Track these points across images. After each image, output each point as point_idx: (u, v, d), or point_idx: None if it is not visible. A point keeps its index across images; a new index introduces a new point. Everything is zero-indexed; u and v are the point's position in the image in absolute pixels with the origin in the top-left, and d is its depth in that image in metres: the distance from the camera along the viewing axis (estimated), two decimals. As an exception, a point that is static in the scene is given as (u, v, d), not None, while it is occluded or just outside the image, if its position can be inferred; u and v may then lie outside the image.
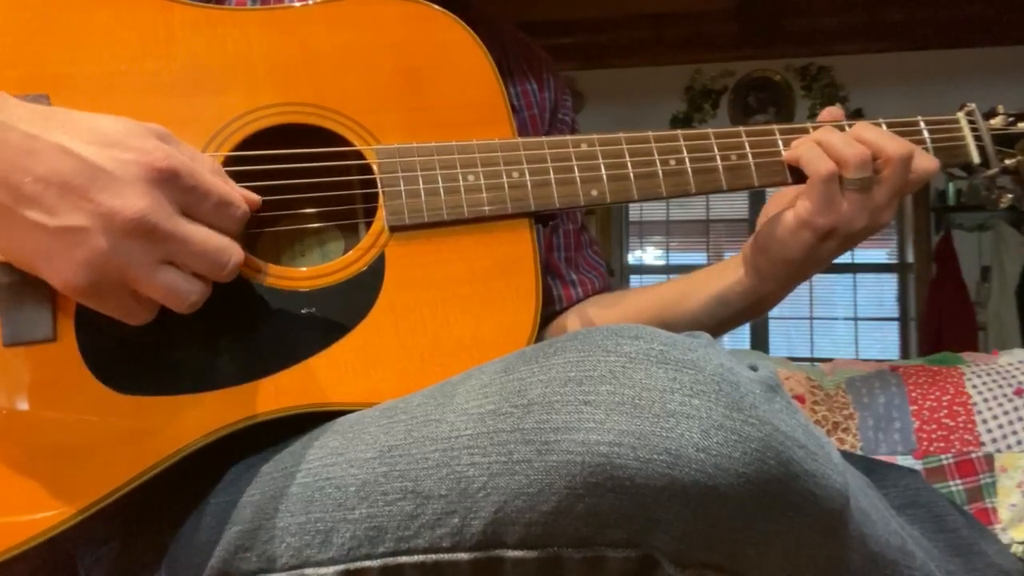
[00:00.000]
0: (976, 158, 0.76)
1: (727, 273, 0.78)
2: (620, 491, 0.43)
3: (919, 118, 0.75)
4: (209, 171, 0.52)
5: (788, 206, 0.71)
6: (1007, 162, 0.76)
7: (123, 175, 0.47)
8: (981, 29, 4.29)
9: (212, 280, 0.52)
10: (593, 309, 0.90)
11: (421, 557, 0.48)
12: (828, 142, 0.68)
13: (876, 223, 0.69)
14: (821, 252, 0.70)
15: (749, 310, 0.79)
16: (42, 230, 0.46)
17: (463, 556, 0.47)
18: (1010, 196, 0.78)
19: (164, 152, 0.48)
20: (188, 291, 0.50)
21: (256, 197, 0.56)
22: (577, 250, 0.95)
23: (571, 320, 0.89)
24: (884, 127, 0.73)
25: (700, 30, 4.57)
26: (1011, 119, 0.77)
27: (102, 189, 0.46)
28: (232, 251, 0.51)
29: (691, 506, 0.42)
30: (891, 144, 0.67)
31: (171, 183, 0.48)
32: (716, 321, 0.79)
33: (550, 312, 0.91)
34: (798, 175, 0.69)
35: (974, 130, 0.76)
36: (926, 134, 0.75)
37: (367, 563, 0.49)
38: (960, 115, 0.77)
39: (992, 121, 0.78)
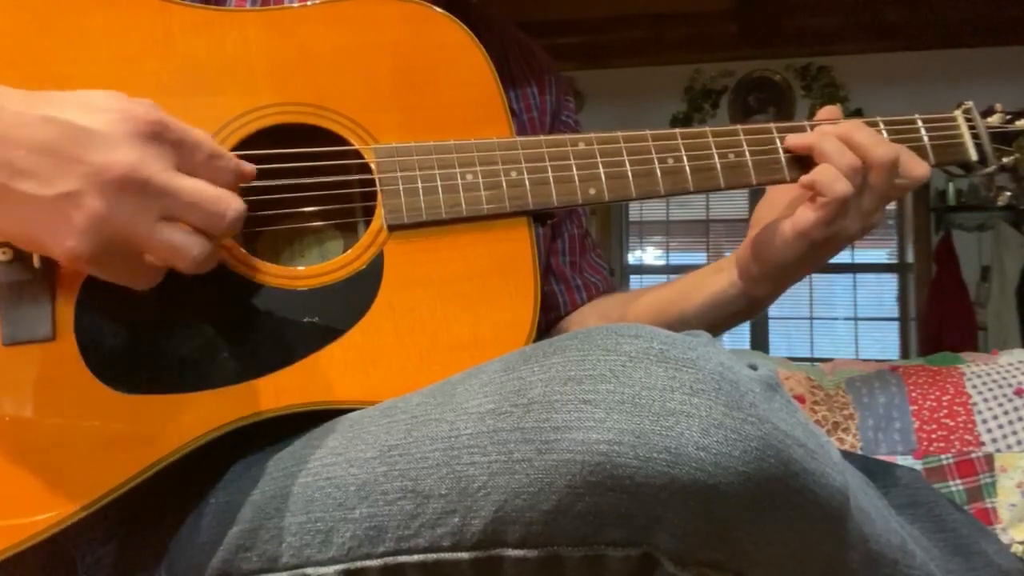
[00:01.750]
0: (974, 156, 0.76)
1: (721, 276, 0.78)
2: (620, 490, 0.43)
3: (916, 116, 0.75)
4: (200, 135, 0.51)
5: (784, 214, 0.70)
6: (1005, 160, 0.77)
7: (111, 132, 0.46)
8: (981, 29, 4.29)
9: (214, 233, 0.50)
10: (593, 313, 0.91)
11: (421, 556, 0.48)
12: (821, 152, 0.67)
13: (868, 226, 0.69)
14: (815, 258, 0.70)
15: (743, 312, 0.79)
16: (39, 201, 0.46)
17: (463, 555, 0.47)
18: (1008, 194, 0.78)
19: (149, 107, 0.48)
20: (190, 245, 0.49)
21: (250, 166, 0.54)
22: (582, 255, 0.95)
23: (573, 324, 0.90)
24: (882, 126, 0.73)
25: (700, 30, 4.57)
26: (1008, 117, 0.77)
27: (91, 149, 0.46)
28: (230, 200, 0.50)
29: (691, 505, 0.42)
30: (878, 150, 0.67)
31: (159, 137, 0.48)
32: (710, 323, 0.79)
33: (555, 317, 0.92)
34: (796, 174, 0.69)
35: (971, 128, 0.76)
36: (923, 132, 0.75)
37: (367, 562, 0.50)
38: (958, 113, 0.77)
39: (990, 119, 0.78)
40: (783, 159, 0.71)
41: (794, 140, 0.70)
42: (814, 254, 0.70)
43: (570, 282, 0.92)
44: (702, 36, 4.60)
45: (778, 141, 0.71)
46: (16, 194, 0.46)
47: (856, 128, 0.68)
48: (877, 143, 0.67)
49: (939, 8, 4.24)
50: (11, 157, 0.45)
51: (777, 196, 0.75)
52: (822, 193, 0.66)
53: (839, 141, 0.67)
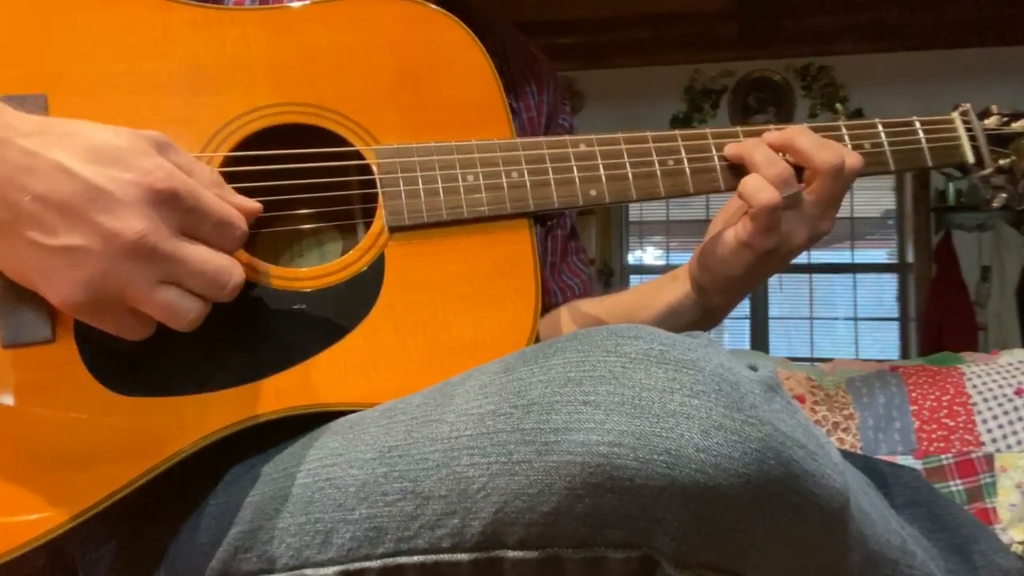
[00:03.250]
0: (971, 158, 0.76)
1: (676, 286, 0.79)
2: (620, 491, 0.43)
3: (914, 118, 0.75)
4: (208, 184, 0.52)
5: (731, 223, 0.70)
6: (1001, 162, 0.77)
7: (123, 196, 0.46)
8: (981, 29, 4.29)
9: (212, 300, 0.51)
10: (567, 317, 0.91)
11: (421, 558, 0.48)
12: (751, 161, 0.67)
13: (817, 233, 0.69)
14: (764, 268, 0.70)
15: (702, 320, 0.78)
16: (41, 248, 0.46)
17: (463, 557, 0.47)
18: (1004, 196, 0.78)
19: (165, 171, 0.48)
20: (187, 309, 0.50)
21: (255, 205, 0.55)
22: (563, 257, 0.95)
23: (545, 327, 0.89)
24: (880, 128, 0.74)
25: (700, 30, 4.56)
26: (1005, 119, 0.78)
27: (102, 210, 0.46)
28: (232, 271, 0.51)
29: (691, 506, 0.42)
30: (820, 155, 0.66)
31: (170, 203, 0.48)
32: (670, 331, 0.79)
33: None
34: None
35: (968, 130, 0.77)
36: (921, 134, 0.75)
37: (367, 564, 0.49)
38: (955, 115, 0.77)
39: (986, 121, 0.78)
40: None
41: (730, 149, 0.70)
42: (763, 264, 0.69)
43: (546, 284, 0.92)
44: (702, 36, 4.59)
45: None
46: (19, 236, 0.46)
47: (798, 133, 0.68)
48: (820, 148, 0.67)
49: (939, 8, 4.24)
50: (17, 200, 0.45)
51: (732, 204, 0.75)
52: (748, 203, 0.66)
53: (769, 150, 0.67)
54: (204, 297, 0.51)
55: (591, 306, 0.90)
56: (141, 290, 0.48)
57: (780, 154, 0.68)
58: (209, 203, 0.50)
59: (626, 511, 0.43)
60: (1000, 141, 0.77)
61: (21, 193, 0.45)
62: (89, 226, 0.46)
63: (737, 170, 0.70)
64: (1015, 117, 0.77)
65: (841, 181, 0.67)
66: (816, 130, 0.71)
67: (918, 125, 0.75)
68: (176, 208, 0.49)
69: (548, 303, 0.91)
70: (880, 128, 0.74)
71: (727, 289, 0.74)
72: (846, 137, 0.73)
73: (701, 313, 0.77)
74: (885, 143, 0.74)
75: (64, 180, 0.46)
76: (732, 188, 0.70)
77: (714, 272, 0.72)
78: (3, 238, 0.46)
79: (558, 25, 4.49)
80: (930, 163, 0.75)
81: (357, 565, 0.50)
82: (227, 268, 0.51)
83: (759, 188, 0.65)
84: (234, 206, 0.53)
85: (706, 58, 4.72)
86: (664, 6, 4.39)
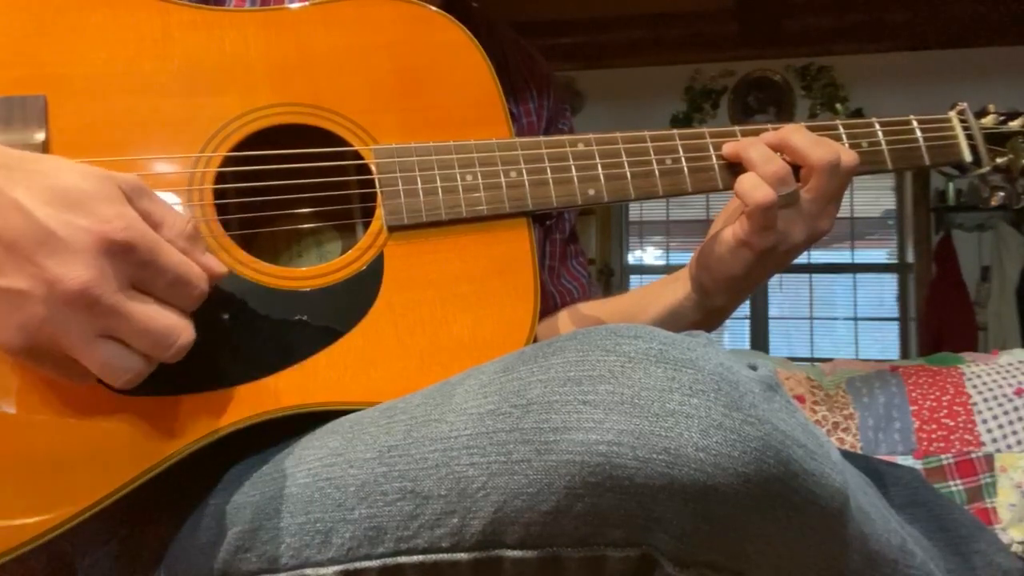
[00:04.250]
0: (968, 157, 0.76)
1: (677, 288, 0.78)
2: (619, 490, 0.43)
3: (912, 117, 0.75)
4: (176, 235, 0.49)
5: (729, 222, 0.70)
6: (998, 161, 0.77)
7: (73, 242, 0.44)
8: (981, 29, 4.29)
9: (156, 359, 0.49)
10: (566, 320, 0.91)
11: (420, 557, 0.48)
12: (748, 160, 0.67)
13: (816, 232, 0.69)
14: (764, 267, 0.70)
15: (704, 322, 0.78)
16: None
17: (462, 556, 0.47)
18: (1001, 194, 0.78)
19: (124, 221, 0.46)
20: (124, 369, 0.47)
21: (222, 269, 0.53)
22: (561, 261, 0.95)
23: (543, 331, 0.89)
24: (877, 127, 0.74)
25: (700, 30, 4.57)
26: (1002, 118, 0.78)
27: (49, 255, 0.44)
28: (180, 332, 0.48)
29: (690, 505, 0.42)
30: (815, 152, 0.66)
31: (124, 255, 0.46)
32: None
33: None
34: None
35: (966, 129, 0.77)
36: (919, 133, 0.75)
37: (366, 563, 0.49)
38: (952, 114, 0.77)
39: (983, 120, 0.78)
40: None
41: (727, 148, 0.70)
42: (762, 262, 0.69)
43: (544, 287, 0.92)
44: (702, 36, 4.59)
45: None
46: None
47: (793, 132, 0.68)
48: (815, 145, 0.66)
49: (939, 8, 4.24)
50: None
51: (732, 203, 0.74)
52: (744, 201, 0.66)
53: (766, 148, 0.67)
54: (147, 356, 0.48)
55: (592, 308, 0.90)
56: (79, 341, 0.45)
57: (777, 153, 0.68)
58: (167, 259, 0.48)
59: (625, 510, 0.43)
60: (997, 140, 0.77)
61: None
62: (33, 269, 0.44)
63: (735, 169, 0.70)
64: (1012, 116, 0.78)
65: (838, 178, 0.67)
66: (814, 129, 0.71)
67: (915, 124, 0.75)
68: (129, 261, 0.46)
69: (547, 307, 0.91)
70: (877, 127, 0.74)
71: (728, 289, 0.73)
72: (844, 136, 0.73)
73: (702, 314, 0.77)
74: (883, 142, 0.74)
75: (17, 219, 0.44)
76: (730, 187, 0.70)
77: (714, 271, 0.72)
78: None
79: (558, 25, 4.49)
80: (928, 162, 0.75)
81: (357, 565, 0.50)
82: (174, 329, 0.48)
83: (754, 186, 0.65)
84: (200, 264, 0.51)
85: (706, 58, 4.73)
86: (664, 6, 4.40)
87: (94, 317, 0.45)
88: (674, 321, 0.78)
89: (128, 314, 0.46)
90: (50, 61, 0.57)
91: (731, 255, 0.69)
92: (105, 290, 0.45)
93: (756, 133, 0.71)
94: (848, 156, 0.68)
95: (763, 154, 0.66)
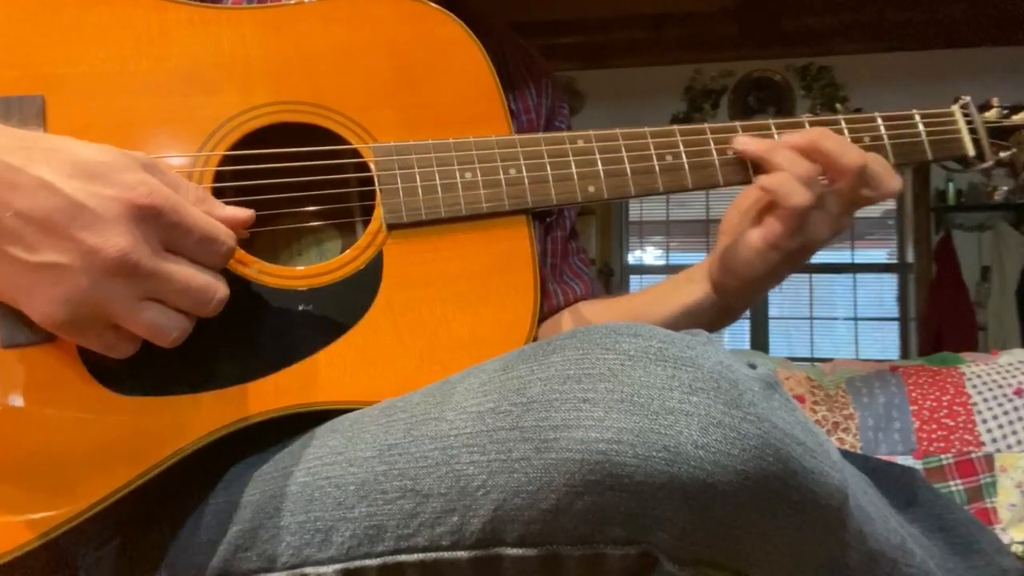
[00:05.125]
0: (971, 151, 0.76)
1: (693, 288, 0.79)
2: (619, 488, 0.43)
3: (914, 112, 0.75)
4: (194, 202, 0.51)
5: (753, 223, 0.70)
6: (1002, 155, 0.77)
7: (104, 212, 0.46)
8: (981, 29, 4.29)
9: (197, 315, 0.51)
10: (570, 319, 0.91)
11: (420, 556, 0.48)
12: (775, 163, 0.67)
13: (839, 229, 0.70)
14: (788, 266, 0.71)
15: (717, 320, 0.79)
16: (22, 265, 0.46)
17: (462, 554, 0.47)
18: (1004, 188, 0.78)
19: (147, 187, 0.48)
20: (171, 327, 0.49)
21: (246, 213, 0.54)
22: (563, 258, 0.95)
23: (547, 330, 0.89)
24: (880, 122, 0.74)
25: (700, 30, 4.57)
26: (1005, 112, 0.78)
27: (83, 227, 0.45)
28: (216, 287, 0.51)
29: (690, 503, 0.42)
30: (847, 157, 0.66)
31: (153, 220, 0.48)
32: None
33: None
34: None
35: (969, 123, 0.77)
36: (921, 127, 0.75)
37: (367, 562, 0.50)
38: (955, 108, 0.77)
39: (987, 114, 0.78)
40: None
41: (747, 147, 0.69)
42: (787, 262, 0.70)
43: (546, 286, 0.92)
44: (702, 36, 4.60)
45: (776, 137, 0.71)
46: (0, 253, 0.46)
47: (823, 136, 0.68)
48: (846, 150, 0.67)
49: (939, 8, 4.24)
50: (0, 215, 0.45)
51: (744, 200, 0.75)
52: (781, 203, 0.66)
53: (790, 151, 0.67)
54: (188, 314, 0.50)
55: (598, 308, 0.90)
56: (123, 308, 0.47)
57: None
58: (193, 219, 0.50)
59: (625, 508, 0.43)
60: (1001, 134, 0.77)
61: (3, 209, 0.45)
62: (70, 243, 0.45)
63: (736, 166, 0.70)
64: (1015, 110, 0.78)
65: (863, 181, 0.68)
66: (816, 124, 0.71)
67: (918, 118, 0.75)
68: (159, 224, 0.48)
69: (550, 305, 0.91)
70: (880, 122, 0.74)
71: (751, 290, 0.74)
72: (846, 131, 0.73)
73: (717, 313, 0.78)
74: (885, 136, 0.74)
75: (46, 196, 0.45)
76: (730, 183, 0.70)
77: (740, 274, 0.72)
78: None
79: (558, 25, 4.49)
80: (930, 156, 0.75)
81: (357, 563, 0.50)
82: (211, 285, 0.50)
83: (792, 190, 0.65)
84: (222, 219, 0.52)
85: (706, 58, 4.73)
86: (664, 6, 4.40)
87: (136, 282, 0.47)
88: (691, 321, 0.79)
89: (168, 275, 0.48)
90: (47, 61, 0.57)
91: (758, 257, 0.69)
92: (143, 254, 0.47)
93: (758, 128, 0.71)
94: (876, 163, 0.68)
95: (789, 157, 0.67)
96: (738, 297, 0.76)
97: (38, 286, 0.46)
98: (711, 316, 0.78)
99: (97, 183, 0.46)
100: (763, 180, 0.67)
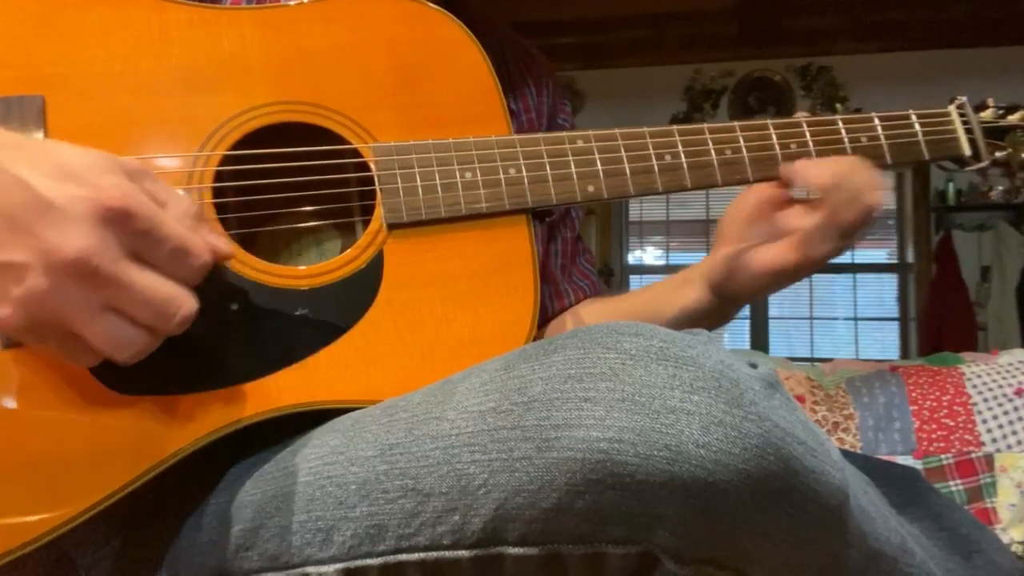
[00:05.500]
0: (967, 151, 0.77)
1: (690, 290, 0.79)
2: (620, 487, 0.43)
3: (911, 111, 0.76)
4: (180, 215, 0.49)
5: (756, 228, 0.71)
6: (998, 154, 0.77)
7: (71, 211, 0.44)
8: (981, 29, 4.30)
9: (159, 330, 0.48)
10: (574, 319, 0.91)
11: (422, 555, 0.48)
12: (830, 205, 0.67)
13: (842, 251, 0.70)
14: (788, 282, 0.71)
15: (711, 323, 0.80)
16: None
17: (464, 554, 0.47)
18: (1000, 188, 0.79)
19: (121, 191, 0.46)
20: (128, 342, 0.47)
21: (227, 250, 0.52)
22: (572, 259, 0.95)
23: (553, 329, 0.90)
24: (877, 122, 0.74)
25: (700, 30, 4.57)
26: (1001, 112, 0.78)
27: (48, 225, 0.43)
28: (182, 302, 0.48)
29: (691, 502, 0.42)
30: (867, 198, 0.67)
31: (122, 224, 0.45)
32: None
33: (540, 320, 0.92)
34: None
35: (965, 123, 0.77)
36: (918, 127, 0.75)
37: (368, 561, 0.50)
38: (951, 108, 0.78)
39: (982, 114, 0.78)
40: (779, 156, 0.71)
41: (810, 174, 0.69)
42: (787, 280, 0.71)
43: (559, 286, 0.92)
44: (702, 36, 4.60)
45: (775, 137, 0.71)
46: None
47: (856, 170, 0.68)
48: (866, 190, 0.67)
49: (939, 8, 4.24)
50: None
51: (744, 205, 0.75)
52: (805, 252, 0.67)
53: (847, 192, 0.67)
54: (150, 328, 0.48)
55: (595, 308, 0.90)
56: (80, 315, 0.45)
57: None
58: (167, 228, 0.47)
59: (626, 507, 0.43)
60: (997, 134, 0.77)
61: None
62: (33, 240, 0.43)
63: (735, 166, 0.70)
64: (1011, 110, 0.78)
65: (870, 216, 0.68)
66: (813, 124, 0.71)
67: (914, 119, 0.75)
68: (128, 229, 0.46)
69: (562, 305, 0.92)
70: (877, 122, 0.74)
71: (750, 298, 0.75)
72: (843, 131, 0.73)
73: (715, 317, 0.79)
74: (882, 137, 0.74)
75: (17, 193, 0.44)
76: (729, 183, 0.70)
77: (743, 285, 0.73)
78: None
79: (558, 25, 4.50)
80: (927, 156, 0.75)
81: (358, 563, 0.50)
82: (176, 298, 0.47)
83: (823, 240, 0.67)
84: (206, 244, 0.50)
85: (706, 58, 4.73)
86: (664, 6, 4.40)
87: (94, 287, 0.45)
88: (688, 324, 0.79)
89: (129, 283, 0.45)
90: (48, 61, 0.57)
91: (764, 276, 0.70)
92: (104, 258, 0.44)
93: (756, 128, 0.71)
94: (864, 175, 0.69)
95: (846, 200, 0.67)
96: (736, 303, 0.77)
97: (1, 287, 0.44)
98: (709, 317, 0.79)
99: (70, 183, 0.45)
100: (796, 220, 0.68)
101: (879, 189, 0.68)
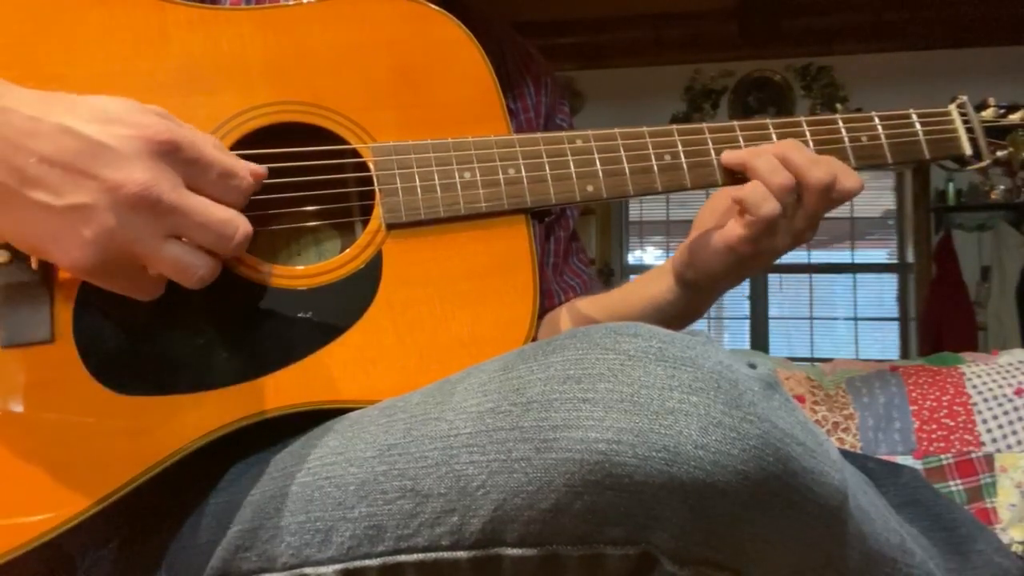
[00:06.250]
0: (968, 150, 0.77)
1: (660, 280, 0.80)
2: (619, 488, 0.43)
3: (911, 111, 0.76)
4: (212, 146, 0.51)
5: (720, 220, 0.71)
6: (999, 154, 0.77)
7: (125, 149, 0.46)
8: (981, 29, 4.29)
9: (220, 253, 0.51)
10: (565, 316, 0.91)
11: (420, 556, 0.48)
12: (753, 169, 0.67)
13: (799, 241, 0.70)
14: (745, 270, 0.71)
15: (682, 316, 0.80)
16: (48, 210, 0.46)
17: (462, 554, 0.47)
18: (1002, 187, 0.79)
19: (164, 125, 0.48)
20: (196, 265, 0.49)
21: (262, 169, 0.55)
22: (565, 259, 0.95)
23: (545, 328, 0.90)
24: (877, 121, 0.74)
25: (700, 30, 4.57)
26: (1002, 111, 0.78)
27: (105, 165, 0.46)
28: (238, 223, 0.51)
29: (690, 503, 0.42)
30: (813, 172, 0.66)
31: (172, 155, 0.48)
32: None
33: None
34: None
35: (966, 122, 0.77)
36: (918, 127, 0.75)
37: (367, 562, 0.50)
38: (952, 107, 0.78)
39: (983, 113, 0.78)
40: None
41: (729, 156, 0.70)
42: (741, 266, 0.70)
43: (549, 286, 0.93)
44: (702, 36, 4.60)
45: (775, 137, 0.71)
46: (25, 201, 0.46)
47: (792, 148, 0.68)
48: (813, 164, 0.67)
49: (939, 8, 4.24)
50: (23, 164, 0.45)
51: (718, 201, 0.75)
52: (749, 212, 0.66)
53: (774, 159, 0.67)
54: (212, 252, 0.50)
55: (585, 305, 0.91)
56: (148, 245, 0.48)
57: None
58: (212, 154, 0.50)
59: (625, 508, 0.43)
60: (997, 133, 0.77)
61: (27, 156, 0.45)
62: (94, 182, 0.46)
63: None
64: (1012, 109, 0.78)
65: (830, 199, 0.68)
66: (813, 123, 0.71)
67: (915, 118, 0.75)
68: (178, 160, 0.48)
69: (551, 304, 0.92)
70: (877, 121, 0.74)
71: (708, 288, 0.75)
72: (843, 130, 0.73)
73: (681, 308, 0.78)
74: (882, 136, 0.74)
75: (67, 140, 0.46)
76: (729, 183, 0.70)
77: (697, 269, 0.73)
78: (11, 204, 0.46)
79: (558, 25, 4.50)
80: (927, 155, 0.75)
81: (357, 563, 0.50)
82: (232, 220, 0.50)
83: (763, 198, 0.66)
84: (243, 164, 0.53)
85: (706, 58, 4.73)
86: (664, 6, 4.40)
87: (158, 217, 0.47)
88: (656, 314, 0.79)
89: (189, 209, 0.48)
90: (48, 61, 0.57)
91: (716, 256, 0.70)
92: (164, 188, 0.47)
93: (755, 128, 0.71)
94: (848, 181, 0.68)
95: (770, 165, 0.67)
96: (697, 293, 0.76)
97: (66, 230, 0.46)
98: (676, 309, 0.79)
99: (115, 125, 0.47)
100: (735, 192, 0.67)
101: (817, 164, 0.67)
